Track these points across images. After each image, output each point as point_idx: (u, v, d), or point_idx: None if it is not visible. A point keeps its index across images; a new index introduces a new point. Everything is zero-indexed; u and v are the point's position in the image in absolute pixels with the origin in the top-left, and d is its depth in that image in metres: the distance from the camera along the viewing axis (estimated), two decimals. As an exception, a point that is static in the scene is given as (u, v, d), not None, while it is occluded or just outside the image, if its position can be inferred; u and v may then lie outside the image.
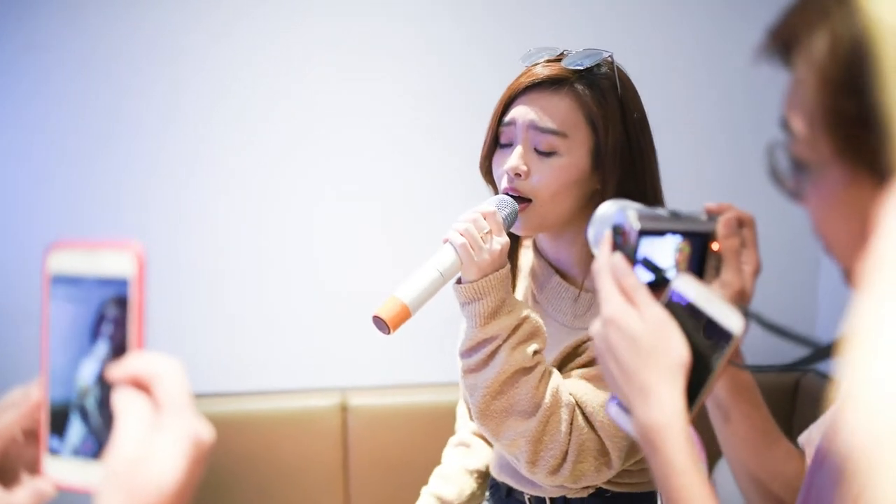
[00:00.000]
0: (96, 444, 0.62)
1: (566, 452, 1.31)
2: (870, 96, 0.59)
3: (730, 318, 0.81)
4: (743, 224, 0.94)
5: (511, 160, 1.36)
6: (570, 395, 1.32)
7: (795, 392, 2.54)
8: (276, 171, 2.59)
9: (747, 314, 0.83)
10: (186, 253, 2.56)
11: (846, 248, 0.67)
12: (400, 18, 2.59)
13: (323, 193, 2.61)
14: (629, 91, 1.39)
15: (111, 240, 0.63)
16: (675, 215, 0.92)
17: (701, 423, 1.06)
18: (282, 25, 2.55)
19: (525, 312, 1.32)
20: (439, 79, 2.60)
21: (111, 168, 2.53)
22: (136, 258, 0.61)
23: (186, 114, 2.54)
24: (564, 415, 1.30)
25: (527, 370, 1.30)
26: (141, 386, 0.60)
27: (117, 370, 0.60)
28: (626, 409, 0.85)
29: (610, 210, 0.93)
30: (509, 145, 1.39)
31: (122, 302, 0.62)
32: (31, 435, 0.67)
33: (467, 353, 1.33)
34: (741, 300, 0.92)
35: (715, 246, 0.93)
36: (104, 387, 0.62)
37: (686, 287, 0.84)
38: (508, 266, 1.33)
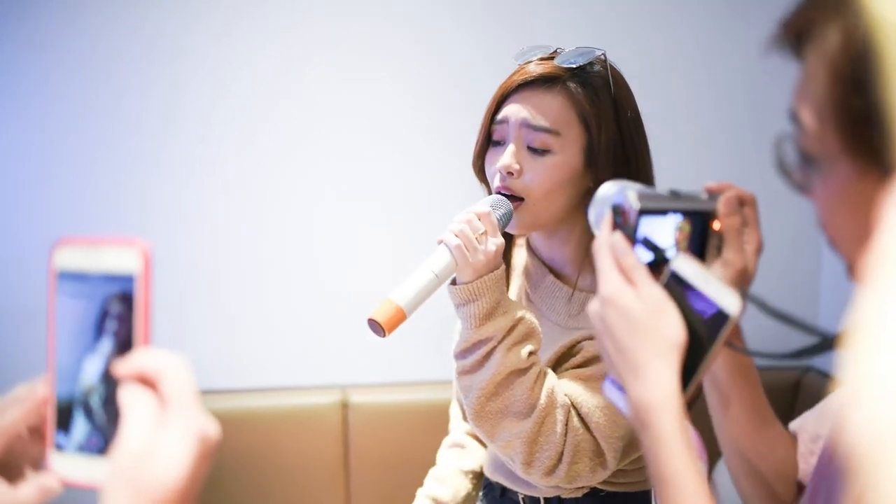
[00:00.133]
0: (102, 440, 0.62)
1: (561, 453, 1.30)
2: (879, 92, 0.59)
3: (727, 299, 0.80)
4: (744, 203, 0.93)
5: (503, 158, 1.36)
6: (566, 395, 1.32)
7: (797, 390, 2.54)
8: (276, 171, 2.59)
9: (747, 297, 0.82)
10: (187, 251, 2.56)
11: (851, 243, 0.67)
12: (400, 18, 2.59)
13: (323, 193, 2.61)
14: (623, 90, 1.39)
15: (117, 237, 0.63)
16: (676, 195, 0.92)
17: (701, 424, 1.06)
18: (282, 25, 2.55)
19: (520, 313, 1.32)
20: (439, 79, 2.60)
21: (111, 168, 2.53)
22: (143, 255, 0.62)
23: (186, 114, 2.54)
24: (560, 416, 1.30)
25: (522, 371, 1.30)
26: (147, 382, 0.60)
27: (123, 366, 0.60)
28: (620, 388, 0.85)
29: (610, 190, 0.93)
30: (502, 143, 1.38)
31: (126, 298, 0.62)
32: (36, 431, 0.67)
33: (462, 354, 1.33)
34: (743, 279, 0.92)
35: (716, 225, 0.92)
36: (109, 384, 0.62)
37: (684, 267, 0.84)
38: (503, 267, 1.33)
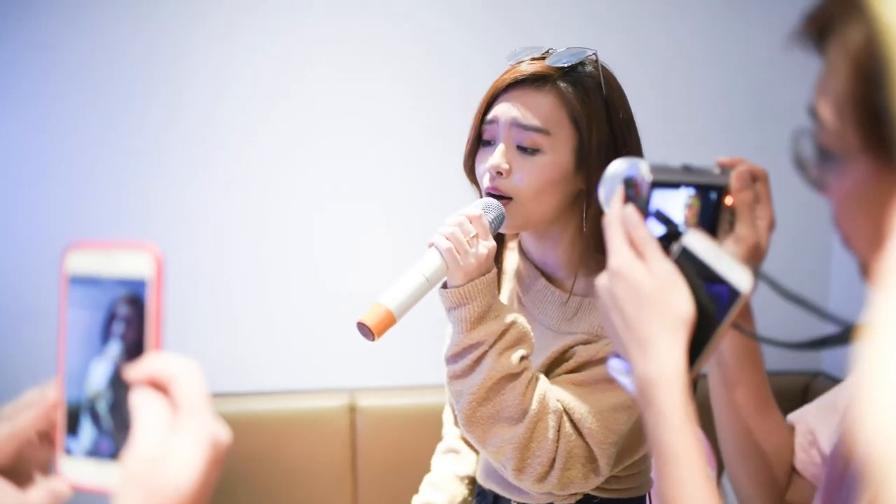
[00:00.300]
0: (112, 444, 0.62)
1: (553, 459, 1.29)
2: None
3: (739, 276, 0.79)
4: (756, 178, 0.92)
5: (493, 158, 1.34)
6: (558, 401, 1.31)
7: (805, 395, 2.53)
8: (277, 171, 2.59)
9: (758, 275, 0.81)
10: (191, 254, 2.56)
11: (865, 242, 0.66)
12: (400, 19, 2.59)
13: (325, 193, 2.61)
14: (614, 90, 1.38)
15: (129, 241, 0.63)
16: (688, 169, 0.90)
17: (710, 430, 1.05)
18: (282, 26, 2.55)
19: (512, 317, 1.31)
20: (439, 79, 2.60)
21: (112, 169, 2.53)
22: (154, 259, 0.61)
23: (187, 114, 2.54)
24: (552, 421, 1.28)
25: (513, 376, 1.29)
26: (158, 387, 0.59)
27: (135, 371, 0.60)
28: (626, 364, 0.84)
29: (621, 166, 0.91)
30: (492, 143, 1.37)
31: (134, 301, 0.61)
32: (46, 436, 0.66)
33: (453, 358, 1.31)
34: (756, 255, 0.91)
35: (728, 200, 0.91)
36: (116, 388, 0.62)
37: (696, 242, 0.83)
38: (495, 270, 1.32)
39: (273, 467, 2.50)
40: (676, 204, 0.88)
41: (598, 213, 1.32)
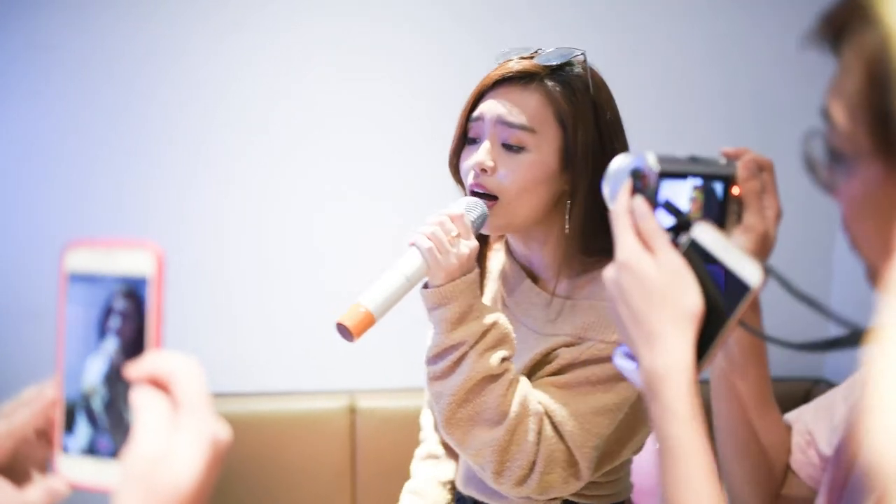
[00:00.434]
0: (111, 442, 0.62)
1: (534, 463, 1.28)
2: None
3: (748, 270, 0.78)
4: (762, 168, 0.92)
5: (477, 155, 1.34)
6: (539, 403, 1.29)
7: (806, 402, 2.50)
8: (277, 172, 2.59)
9: (768, 271, 0.80)
10: (192, 253, 2.56)
11: (873, 246, 0.66)
12: (401, 18, 2.59)
13: (326, 194, 2.61)
14: (602, 91, 1.36)
15: (129, 239, 0.62)
16: (695, 159, 0.89)
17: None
18: (282, 26, 2.56)
19: (493, 318, 1.29)
20: (441, 79, 2.60)
21: (112, 168, 2.53)
22: (156, 257, 0.61)
23: (187, 115, 2.54)
24: (532, 424, 1.27)
25: (494, 377, 1.27)
26: (158, 385, 0.59)
27: (135, 369, 0.60)
28: (632, 358, 0.83)
29: (625, 160, 0.91)
30: (478, 141, 1.36)
31: (130, 295, 0.61)
32: (44, 434, 0.66)
33: (433, 359, 1.30)
34: (765, 245, 0.91)
35: (735, 190, 0.90)
36: (112, 384, 0.62)
37: (705, 235, 0.82)
38: (477, 270, 1.30)
39: (273, 468, 2.50)
40: (684, 195, 0.87)
41: (581, 214, 1.32)
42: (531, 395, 1.29)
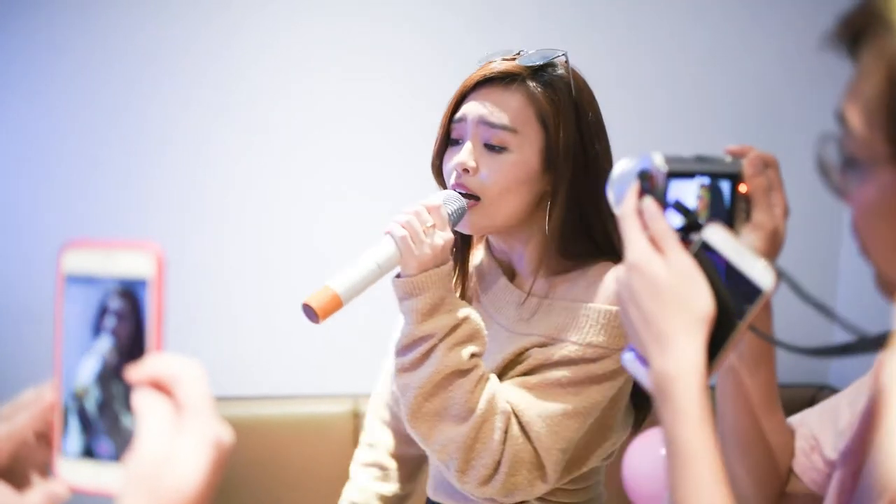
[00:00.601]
0: (111, 445, 0.61)
1: (498, 462, 1.26)
2: None
3: (760, 272, 0.77)
4: (767, 164, 0.91)
5: (459, 155, 1.34)
6: (507, 402, 1.28)
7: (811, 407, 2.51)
8: (280, 173, 2.60)
9: (779, 274, 0.79)
10: (194, 255, 2.56)
11: (884, 253, 0.65)
12: (401, 18, 2.61)
13: (329, 195, 2.61)
14: (584, 93, 1.37)
15: (129, 240, 0.62)
16: (701, 158, 0.88)
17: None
18: (285, 25, 2.57)
19: (465, 313, 1.29)
20: (444, 79, 2.59)
21: (113, 169, 2.54)
22: (156, 259, 0.60)
23: (190, 116, 2.55)
24: (499, 423, 1.26)
25: (462, 373, 1.26)
26: (160, 388, 0.59)
27: (137, 371, 0.60)
28: (642, 360, 0.82)
29: (629, 163, 0.90)
30: (460, 142, 1.36)
31: (126, 294, 0.61)
32: (43, 437, 0.66)
33: (402, 350, 1.30)
34: (774, 242, 0.90)
35: (742, 188, 0.89)
36: (106, 385, 0.61)
37: (716, 236, 0.81)
38: (451, 263, 1.30)
39: (276, 472, 2.49)
40: (691, 194, 0.87)
41: (561, 215, 1.32)
42: (500, 394, 1.28)
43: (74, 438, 0.63)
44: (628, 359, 0.85)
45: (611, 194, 0.92)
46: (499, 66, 1.35)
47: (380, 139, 2.61)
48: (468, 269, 1.49)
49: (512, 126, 1.32)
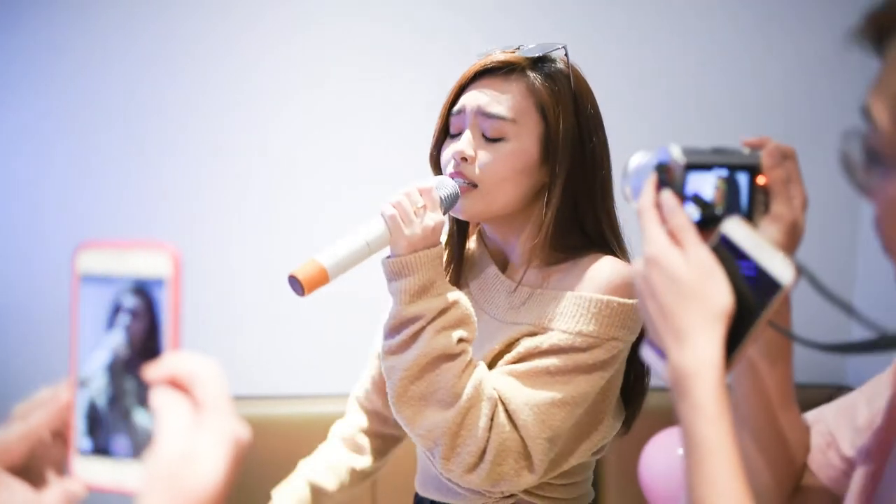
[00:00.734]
0: (128, 443, 0.62)
1: (484, 450, 1.25)
2: None
3: (780, 267, 0.76)
4: (786, 156, 0.90)
5: (458, 145, 1.34)
6: (494, 389, 1.27)
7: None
8: (285, 174, 2.61)
9: (799, 269, 0.78)
10: (206, 257, 2.57)
11: None
12: (401, 19, 2.61)
13: (336, 196, 2.62)
14: (582, 85, 1.37)
15: (144, 240, 0.62)
16: (719, 150, 0.88)
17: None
18: (296, 25, 2.58)
19: (455, 297, 1.28)
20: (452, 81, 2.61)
21: (119, 170, 2.56)
22: (172, 259, 0.61)
23: (197, 117, 2.57)
24: (485, 409, 1.25)
25: (450, 357, 1.26)
26: (178, 386, 0.60)
27: (155, 370, 0.60)
28: (660, 353, 0.82)
29: (645, 156, 0.90)
30: (459, 135, 1.37)
31: (140, 293, 0.61)
32: (59, 436, 0.66)
33: (390, 332, 1.29)
34: (794, 234, 0.89)
35: (761, 180, 0.88)
36: (119, 382, 0.62)
37: (736, 230, 0.81)
38: (441, 247, 1.30)
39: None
40: (708, 187, 0.86)
41: (557, 205, 1.33)
42: (487, 381, 1.27)
43: (90, 436, 0.63)
44: (646, 352, 0.85)
45: (626, 187, 0.92)
46: (498, 56, 1.36)
47: (390, 141, 2.61)
48: (463, 256, 1.49)
49: (511, 116, 1.33)
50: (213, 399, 0.59)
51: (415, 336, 1.26)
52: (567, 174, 1.33)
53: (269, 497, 2.46)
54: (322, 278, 1.22)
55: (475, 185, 1.33)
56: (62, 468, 0.66)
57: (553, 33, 2.64)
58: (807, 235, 0.90)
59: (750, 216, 0.87)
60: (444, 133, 1.40)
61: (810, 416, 1.05)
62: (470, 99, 1.35)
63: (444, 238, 1.47)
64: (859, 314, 0.76)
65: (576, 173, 1.34)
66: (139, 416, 0.61)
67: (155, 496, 0.56)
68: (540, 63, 1.35)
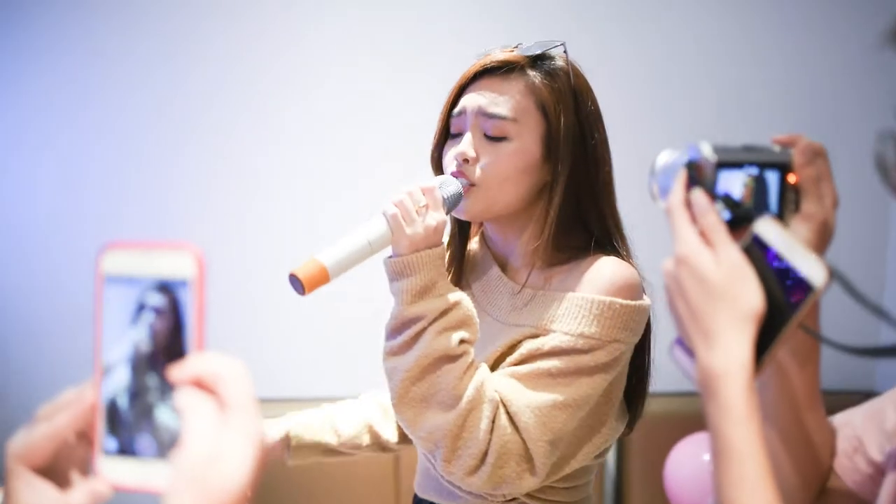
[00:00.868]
0: (153, 443, 0.62)
1: (485, 453, 1.24)
2: None
3: (813, 269, 0.75)
4: (817, 154, 0.88)
5: (460, 146, 1.34)
6: (496, 391, 1.26)
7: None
8: (302, 176, 2.63)
9: (831, 272, 0.76)
10: (224, 260, 2.58)
11: None
12: (428, 21, 2.63)
13: (346, 197, 2.62)
14: (582, 82, 1.37)
15: (168, 241, 0.62)
16: (749, 148, 0.86)
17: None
18: (311, 24, 2.60)
19: (457, 297, 1.27)
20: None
21: (134, 171, 2.58)
22: (197, 259, 0.61)
23: (212, 118, 2.60)
24: (486, 411, 1.24)
25: (451, 358, 1.25)
26: (203, 387, 0.60)
27: (180, 371, 0.60)
28: (689, 353, 0.81)
29: (671, 154, 0.89)
30: (460, 136, 1.36)
31: (164, 292, 0.61)
32: (83, 436, 0.66)
33: (392, 333, 1.29)
34: (825, 233, 0.88)
35: (791, 178, 0.87)
36: (142, 382, 0.62)
37: (768, 230, 0.79)
38: (444, 247, 1.29)
39: (316, 473, 2.50)
40: (738, 185, 0.85)
41: (559, 204, 1.32)
42: (488, 383, 1.27)
43: (115, 436, 0.64)
44: (675, 351, 0.84)
45: (653, 186, 0.91)
46: (497, 56, 1.35)
47: (402, 143, 2.61)
48: (465, 256, 1.49)
49: (511, 115, 1.32)
50: (239, 399, 0.59)
51: (416, 337, 1.26)
52: (569, 172, 1.33)
53: (291, 499, 2.47)
54: (322, 277, 1.22)
55: (477, 186, 1.33)
56: (86, 469, 0.67)
57: (565, 31, 2.64)
58: (836, 236, 0.89)
59: (780, 215, 0.86)
60: (445, 134, 1.40)
61: (837, 419, 1.04)
62: (470, 100, 1.35)
63: (445, 238, 1.46)
64: (891, 317, 0.75)
65: (578, 171, 1.34)
66: (162, 416, 0.62)
67: (182, 496, 0.56)
68: (539, 61, 1.35)
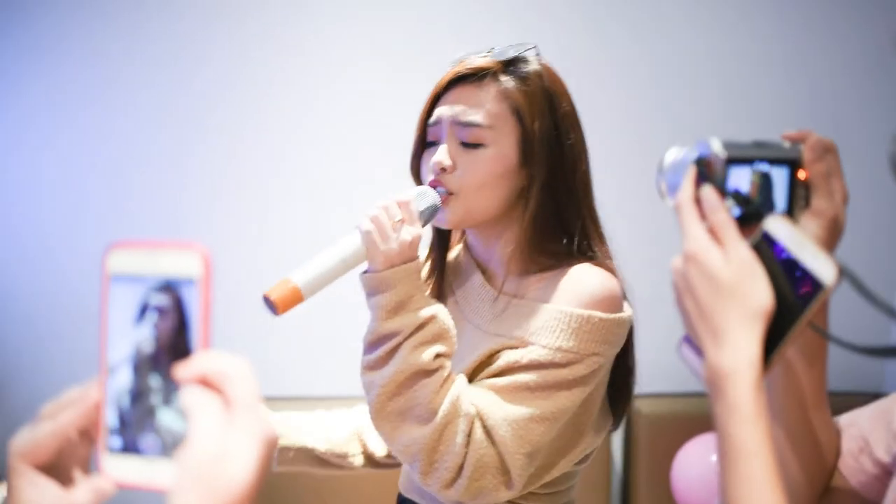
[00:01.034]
0: (158, 441, 0.62)
1: (461, 466, 1.24)
2: None
3: (823, 267, 0.74)
4: (827, 150, 0.88)
5: (436, 155, 1.34)
6: (472, 405, 1.26)
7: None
8: (308, 176, 2.63)
9: (842, 271, 0.75)
10: (228, 259, 2.58)
11: None
12: (428, 21, 2.63)
13: (346, 197, 2.62)
14: (557, 84, 1.37)
15: (175, 240, 0.62)
16: (760, 144, 0.86)
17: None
18: (320, 27, 2.60)
19: (432, 312, 1.27)
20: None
21: (143, 172, 2.58)
22: (202, 259, 0.61)
23: (219, 119, 2.60)
24: (462, 426, 1.24)
25: (427, 373, 1.24)
26: (208, 385, 0.60)
27: (185, 369, 0.60)
28: (697, 351, 0.81)
29: (680, 152, 0.88)
30: (437, 144, 1.36)
31: (169, 291, 0.62)
32: (86, 435, 0.66)
33: (368, 348, 1.28)
34: (835, 230, 0.87)
35: (801, 174, 0.86)
36: (145, 380, 0.62)
37: (778, 228, 0.79)
38: (420, 261, 1.28)
39: (320, 472, 2.50)
40: (746, 181, 0.84)
41: (536, 207, 1.32)
42: (465, 396, 1.26)
43: (119, 434, 0.64)
44: (683, 349, 0.83)
45: (661, 183, 0.90)
46: (469, 63, 1.35)
47: (404, 142, 2.62)
48: (445, 266, 1.49)
49: (486, 122, 1.32)
50: (244, 398, 0.59)
51: (392, 352, 1.26)
52: (546, 174, 1.32)
53: (297, 498, 2.47)
54: (296, 298, 1.22)
55: (455, 194, 1.33)
56: (90, 467, 0.67)
57: (567, 31, 2.66)
58: (846, 234, 0.89)
59: (790, 211, 0.86)
60: (423, 143, 1.39)
61: (843, 420, 1.04)
62: (444, 110, 1.35)
63: (426, 248, 1.47)
64: (886, 304, 0.75)
65: (555, 172, 1.33)
66: (166, 414, 0.62)
67: (187, 495, 0.57)
68: (512, 65, 1.34)
